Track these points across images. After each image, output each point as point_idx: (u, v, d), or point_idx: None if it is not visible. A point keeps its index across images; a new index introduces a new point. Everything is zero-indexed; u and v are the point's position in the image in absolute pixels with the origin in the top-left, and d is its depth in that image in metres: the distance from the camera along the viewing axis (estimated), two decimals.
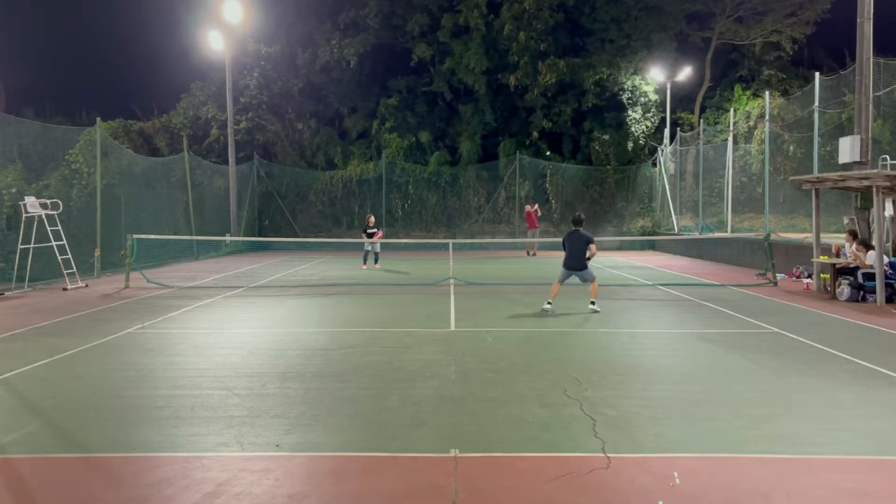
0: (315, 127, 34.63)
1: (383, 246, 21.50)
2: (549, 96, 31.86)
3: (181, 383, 6.51)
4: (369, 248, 19.31)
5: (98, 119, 19.12)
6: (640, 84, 31.93)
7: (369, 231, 19.14)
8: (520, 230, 30.60)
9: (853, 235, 13.10)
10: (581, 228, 11.07)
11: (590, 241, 10.91)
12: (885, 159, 13.52)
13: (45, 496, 4.00)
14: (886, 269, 11.82)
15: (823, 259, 13.39)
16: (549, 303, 10.90)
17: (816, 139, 16.70)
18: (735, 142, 23.59)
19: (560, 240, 11.35)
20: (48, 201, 14.67)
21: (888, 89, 14.82)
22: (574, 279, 11.11)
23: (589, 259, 10.87)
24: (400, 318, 10.62)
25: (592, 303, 10.83)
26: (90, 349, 8.15)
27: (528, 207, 25.87)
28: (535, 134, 32.34)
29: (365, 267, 19.20)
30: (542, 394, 6.07)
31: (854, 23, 13.66)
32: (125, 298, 12.90)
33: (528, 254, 25.48)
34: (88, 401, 5.99)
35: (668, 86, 29.83)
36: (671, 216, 28.10)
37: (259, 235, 30.13)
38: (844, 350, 7.89)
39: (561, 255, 11.20)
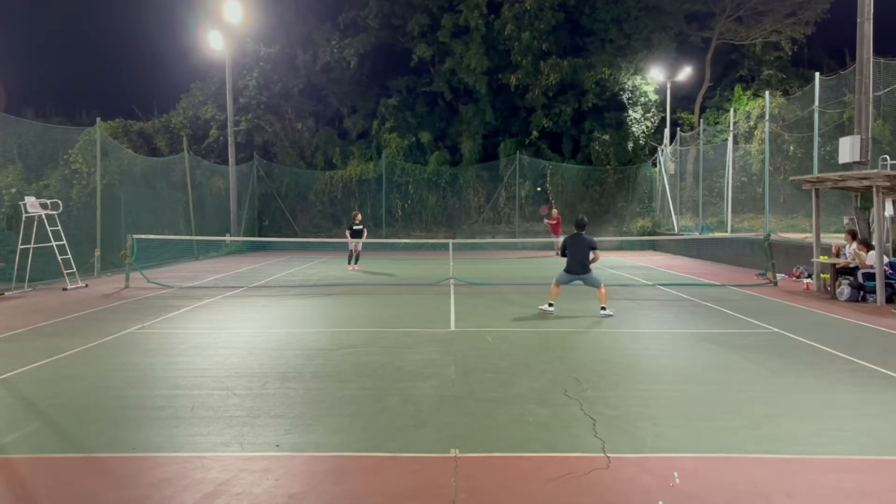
0: (315, 127, 34.64)
1: (382, 246, 21.37)
2: (549, 96, 31.86)
3: (181, 383, 6.50)
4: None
5: (98, 119, 19.12)
6: (641, 84, 31.93)
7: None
8: (520, 230, 30.63)
9: (853, 235, 13.10)
10: (583, 233, 10.80)
11: (592, 247, 10.69)
12: (885, 159, 13.52)
13: (45, 496, 4.00)
14: (886, 269, 11.82)
15: (823, 259, 13.38)
16: (550, 304, 10.71)
17: (816, 139, 16.68)
18: (735, 142, 23.58)
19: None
20: (48, 201, 14.67)
21: (888, 89, 14.81)
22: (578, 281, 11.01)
23: (592, 262, 10.70)
24: (400, 318, 10.62)
25: (603, 308, 10.50)
26: (90, 349, 8.15)
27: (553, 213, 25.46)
28: (536, 134, 32.33)
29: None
30: (542, 394, 6.06)
31: (854, 23, 13.66)
32: (125, 298, 12.90)
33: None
34: (88, 401, 5.99)
35: (668, 86, 29.83)
36: (671, 216, 28.09)
37: (259, 235, 30.13)
38: (844, 350, 7.88)
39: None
